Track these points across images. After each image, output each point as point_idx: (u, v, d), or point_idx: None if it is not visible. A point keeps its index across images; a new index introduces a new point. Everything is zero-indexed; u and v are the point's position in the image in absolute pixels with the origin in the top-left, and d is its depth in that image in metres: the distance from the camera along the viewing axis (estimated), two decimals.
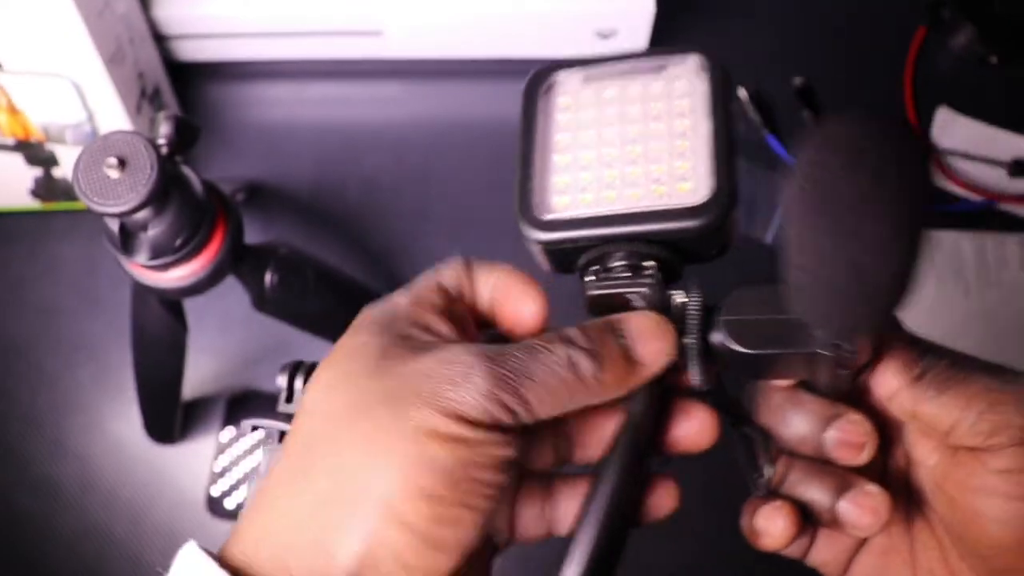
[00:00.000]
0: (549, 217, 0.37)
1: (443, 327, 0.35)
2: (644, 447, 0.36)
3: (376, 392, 0.32)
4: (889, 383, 0.35)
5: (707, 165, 0.36)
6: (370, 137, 0.78)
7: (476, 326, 0.37)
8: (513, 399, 0.31)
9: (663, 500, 0.37)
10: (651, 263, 0.36)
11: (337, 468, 0.30)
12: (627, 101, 0.39)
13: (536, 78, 0.40)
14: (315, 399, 0.33)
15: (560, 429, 0.40)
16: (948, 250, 0.73)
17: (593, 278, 0.36)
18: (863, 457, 0.35)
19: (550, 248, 0.38)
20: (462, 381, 0.31)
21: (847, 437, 0.35)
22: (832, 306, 0.29)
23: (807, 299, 0.30)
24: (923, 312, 0.71)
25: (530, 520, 0.39)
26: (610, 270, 0.36)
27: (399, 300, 0.36)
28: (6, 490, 0.67)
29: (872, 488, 0.35)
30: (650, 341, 0.34)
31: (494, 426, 0.31)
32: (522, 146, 0.39)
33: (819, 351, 0.32)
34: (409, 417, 0.30)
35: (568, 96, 0.40)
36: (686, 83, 0.38)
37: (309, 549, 0.30)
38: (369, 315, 0.36)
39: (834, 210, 0.27)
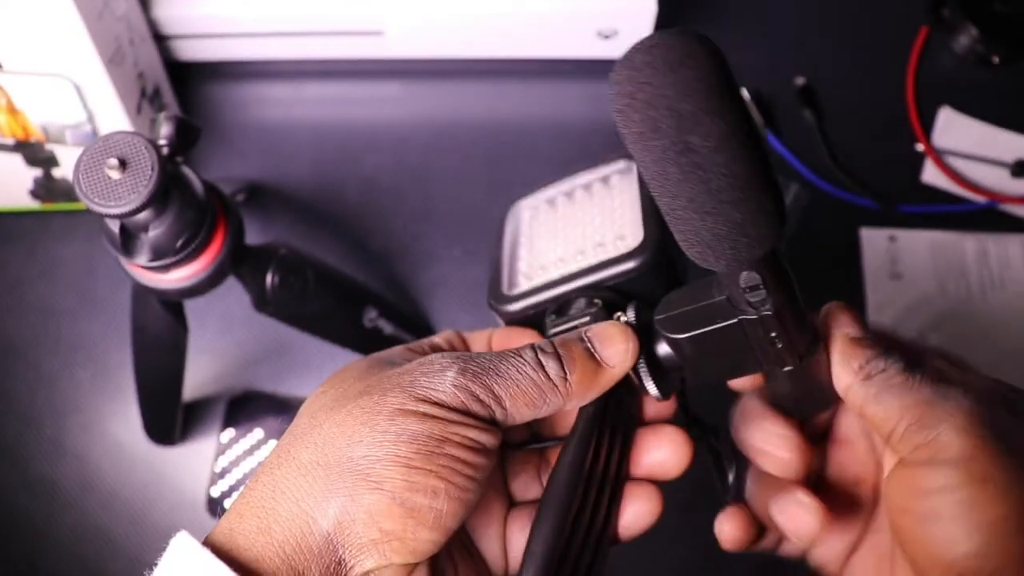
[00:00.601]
0: (515, 291, 0.44)
1: None
2: (598, 461, 0.37)
3: (359, 387, 0.34)
4: (840, 378, 0.35)
5: (638, 223, 0.42)
6: (370, 137, 0.78)
7: None
8: (483, 391, 0.34)
9: (642, 508, 0.38)
10: (598, 301, 0.40)
11: (319, 443, 0.33)
12: (576, 202, 0.47)
13: (508, 212, 0.49)
14: (308, 403, 0.36)
15: (544, 456, 0.42)
16: (950, 251, 0.73)
17: (552, 322, 0.41)
18: (789, 470, 0.37)
19: (519, 317, 0.43)
20: (438, 374, 0.34)
21: (770, 449, 0.37)
22: (697, 214, 0.30)
23: (679, 223, 0.31)
24: (925, 314, 0.71)
25: (521, 546, 0.40)
26: (567, 315, 0.41)
27: (395, 348, 0.39)
28: (5, 490, 0.67)
29: (803, 498, 0.36)
30: (612, 343, 0.36)
31: (466, 412, 0.33)
32: (495, 256, 0.47)
33: (742, 318, 0.33)
34: (387, 401, 0.33)
35: (529, 211, 0.49)
36: (619, 177, 0.46)
37: (290, 514, 0.31)
38: (370, 356, 0.39)
39: (654, 114, 0.28)
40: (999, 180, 0.76)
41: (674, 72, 0.27)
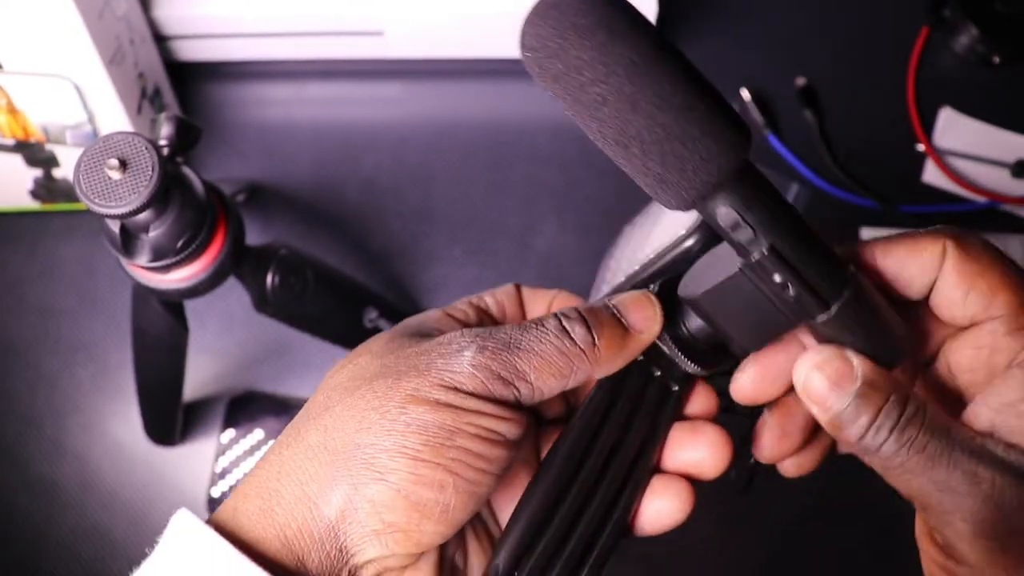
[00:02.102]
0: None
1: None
2: (600, 438, 0.36)
3: (375, 367, 0.33)
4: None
5: (693, 213, 0.40)
6: (370, 137, 0.78)
7: None
8: (504, 368, 0.32)
9: (668, 505, 0.36)
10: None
11: (328, 426, 0.32)
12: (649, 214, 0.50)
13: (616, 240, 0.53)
14: (326, 378, 0.35)
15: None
16: None
17: None
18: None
19: None
20: (455, 355, 0.32)
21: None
22: (635, 151, 0.29)
23: (629, 169, 0.29)
24: None
25: None
26: None
27: (432, 312, 0.37)
28: (5, 490, 0.67)
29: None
30: (639, 309, 0.35)
31: (489, 398, 0.32)
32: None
33: (742, 265, 0.30)
34: (401, 386, 0.31)
35: (627, 230, 0.52)
36: None
37: (294, 497, 0.31)
38: (401, 323, 0.37)
39: (551, 61, 0.28)
40: (1000, 180, 0.76)
41: (556, 8, 0.28)
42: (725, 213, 0.29)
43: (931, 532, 0.32)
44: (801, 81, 0.79)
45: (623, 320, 0.35)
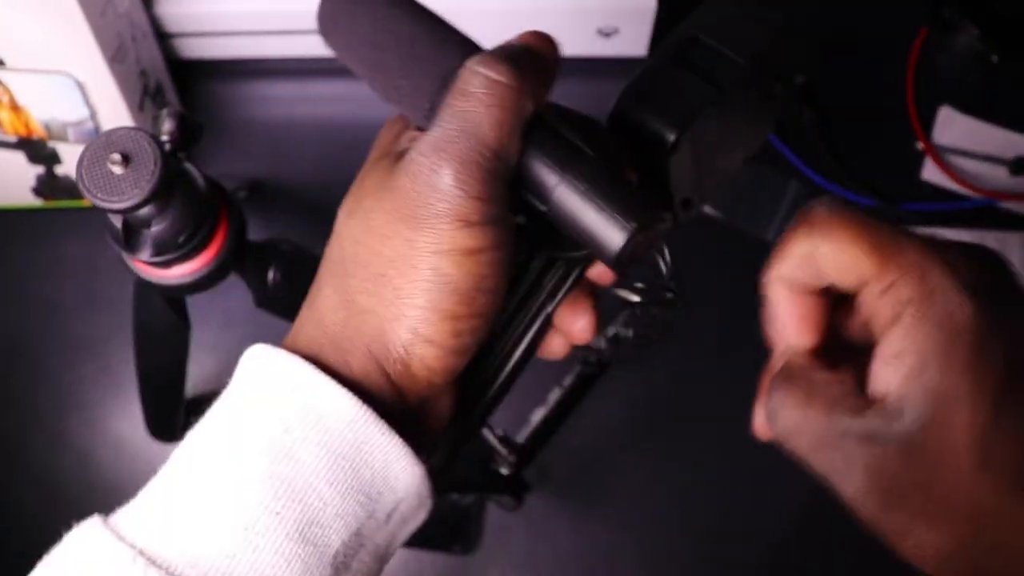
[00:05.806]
0: None
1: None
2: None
3: (383, 217, 0.35)
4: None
5: None
6: (372, 134, 0.78)
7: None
8: (484, 164, 0.33)
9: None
10: None
11: (370, 290, 0.35)
12: None
13: None
14: (341, 225, 0.39)
15: None
16: None
17: None
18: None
19: None
20: (434, 180, 0.34)
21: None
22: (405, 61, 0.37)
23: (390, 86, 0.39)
24: None
25: None
26: None
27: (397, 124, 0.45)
28: (7, 486, 0.67)
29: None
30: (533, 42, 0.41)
31: (494, 219, 0.34)
32: None
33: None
34: (421, 244, 0.34)
35: None
36: None
37: (364, 356, 0.35)
38: (377, 147, 0.43)
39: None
40: (998, 178, 0.76)
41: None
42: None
43: None
44: (800, 80, 0.79)
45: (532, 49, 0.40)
